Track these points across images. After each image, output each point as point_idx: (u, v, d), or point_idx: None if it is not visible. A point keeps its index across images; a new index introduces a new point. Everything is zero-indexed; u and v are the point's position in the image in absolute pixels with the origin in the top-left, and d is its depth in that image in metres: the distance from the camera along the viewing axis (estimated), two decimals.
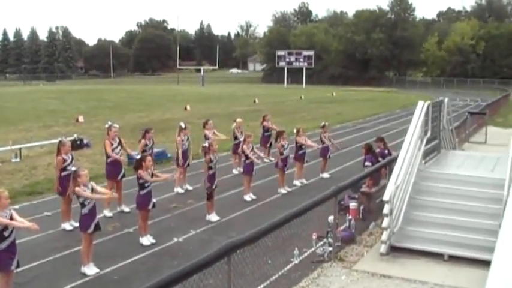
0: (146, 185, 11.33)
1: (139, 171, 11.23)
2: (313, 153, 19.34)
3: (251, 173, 15.21)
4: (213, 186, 13.21)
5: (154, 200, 11.96)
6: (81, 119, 35.33)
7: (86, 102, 52.85)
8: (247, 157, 15.05)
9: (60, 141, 12.81)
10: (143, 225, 11.48)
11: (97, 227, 10.00)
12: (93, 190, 10.00)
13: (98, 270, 9.85)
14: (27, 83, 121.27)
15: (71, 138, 23.50)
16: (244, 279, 8.57)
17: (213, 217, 13.17)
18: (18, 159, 21.08)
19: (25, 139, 25.73)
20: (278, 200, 15.22)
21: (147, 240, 11.37)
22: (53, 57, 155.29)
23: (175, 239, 11.72)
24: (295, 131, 17.36)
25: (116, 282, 9.54)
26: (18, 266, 8.56)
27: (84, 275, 9.72)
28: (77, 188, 9.75)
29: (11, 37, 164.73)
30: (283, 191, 16.01)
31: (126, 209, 13.79)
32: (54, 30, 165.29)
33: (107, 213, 13.40)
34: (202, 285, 6.75)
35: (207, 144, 13.42)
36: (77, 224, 10.73)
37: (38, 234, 11.73)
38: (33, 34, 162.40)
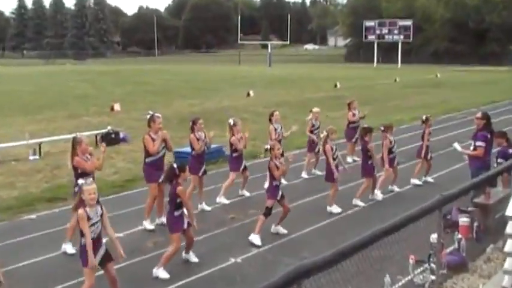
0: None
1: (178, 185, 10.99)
2: (405, 153, 18.99)
3: (335, 180, 14.90)
4: (276, 199, 12.84)
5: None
6: (117, 107, 35.95)
7: (124, 87, 53.80)
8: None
9: (74, 138, 12.21)
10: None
11: (104, 259, 9.37)
12: (102, 215, 9.26)
13: None
14: (49, 61, 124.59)
15: (105, 130, 23.93)
16: None
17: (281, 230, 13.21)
18: (37, 157, 21.51)
19: (46, 132, 26.32)
20: (364, 212, 15.01)
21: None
22: (83, 30, 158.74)
23: (232, 260, 11.70)
24: (382, 128, 16.98)
25: None
26: None
27: None
28: (80, 211, 9.11)
29: (29, 4, 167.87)
30: (359, 203, 15.64)
31: None
32: None
33: (148, 225, 13.45)
34: None
35: (268, 147, 13.22)
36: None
37: (56, 252, 12.00)
38: (57, 1, 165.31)
